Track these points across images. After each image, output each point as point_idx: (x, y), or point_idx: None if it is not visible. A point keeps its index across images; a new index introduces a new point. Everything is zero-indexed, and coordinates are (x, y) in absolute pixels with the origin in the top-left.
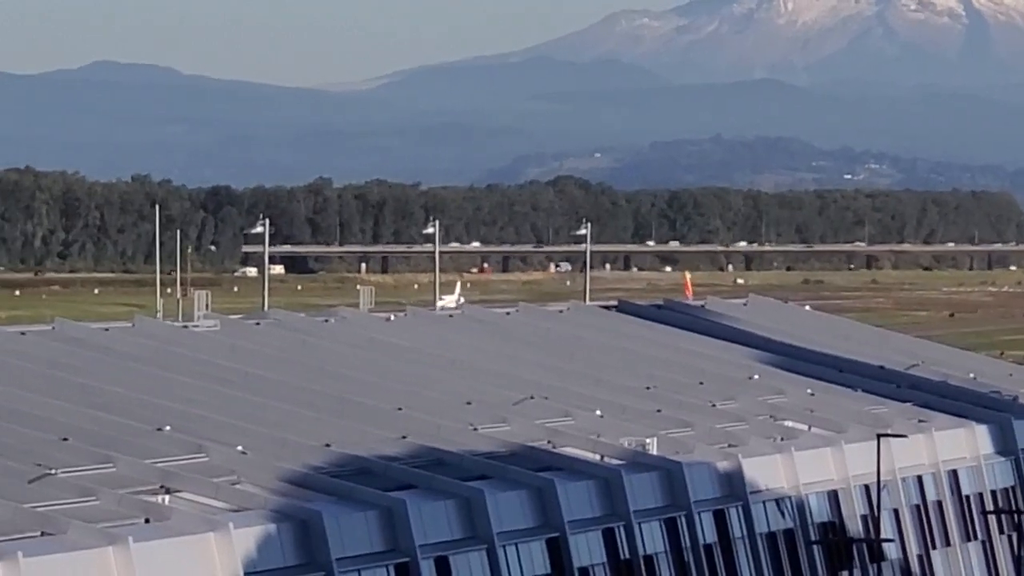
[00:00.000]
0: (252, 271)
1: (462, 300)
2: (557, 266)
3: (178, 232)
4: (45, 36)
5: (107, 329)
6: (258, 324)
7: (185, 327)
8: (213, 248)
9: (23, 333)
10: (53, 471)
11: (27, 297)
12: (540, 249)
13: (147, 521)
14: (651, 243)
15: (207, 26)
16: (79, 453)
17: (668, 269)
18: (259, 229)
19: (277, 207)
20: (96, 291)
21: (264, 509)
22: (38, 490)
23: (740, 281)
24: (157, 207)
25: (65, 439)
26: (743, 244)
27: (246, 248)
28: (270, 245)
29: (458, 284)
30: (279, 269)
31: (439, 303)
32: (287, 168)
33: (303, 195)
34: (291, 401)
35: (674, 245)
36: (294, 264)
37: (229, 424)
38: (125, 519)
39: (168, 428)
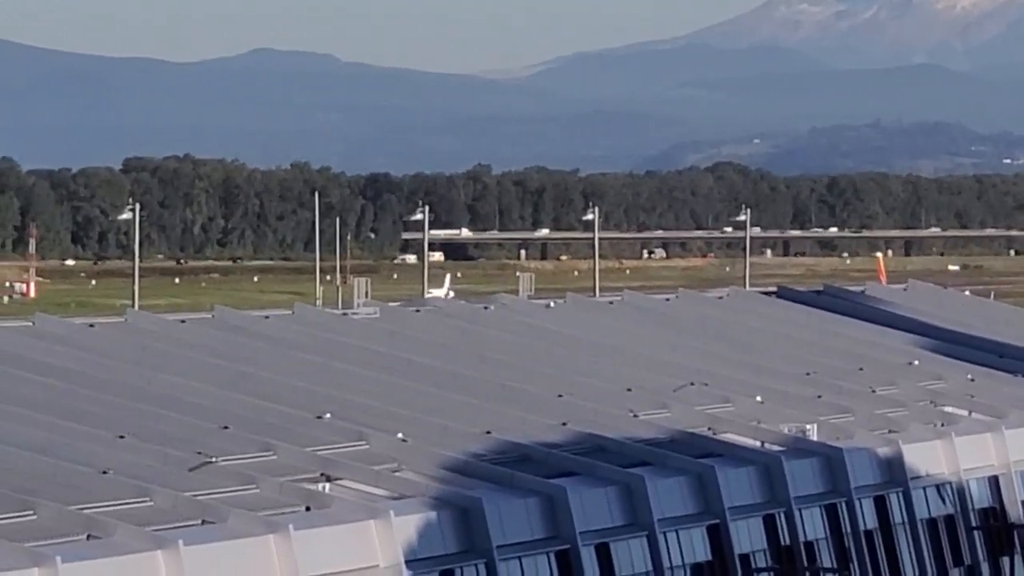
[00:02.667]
0: (411, 258)
1: (451, 294)
2: (651, 253)
3: (337, 219)
4: (204, 25)
5: (267, 317)
6: (418, 311)
7: (345, 314)
8: (372, 235)
9: (183, 321)
10: (213, 459)
11: (186, 285)
12: (699, 235)
13: (307, 509)
14: (816, 229)
15: (366, 13)
16: (239, 441)
17: (846, 258)
18: (418, 216)
19: (436, 194)
20: (255, 279)
21: (424, 496)
22: (198, 478)
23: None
24: (316, 194)
25: (225, 427)
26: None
27: (406, 235)
28: (430, 232)
29: (448, 276)
30: (438, 256)
31: (427, 295)
32: (446, 155)
33: (462, 182)
34: (451, 388)
35: (833, 231)
36: (453, 251)
37: (389, 411)
38: (285, 507)
39: (328, 416)
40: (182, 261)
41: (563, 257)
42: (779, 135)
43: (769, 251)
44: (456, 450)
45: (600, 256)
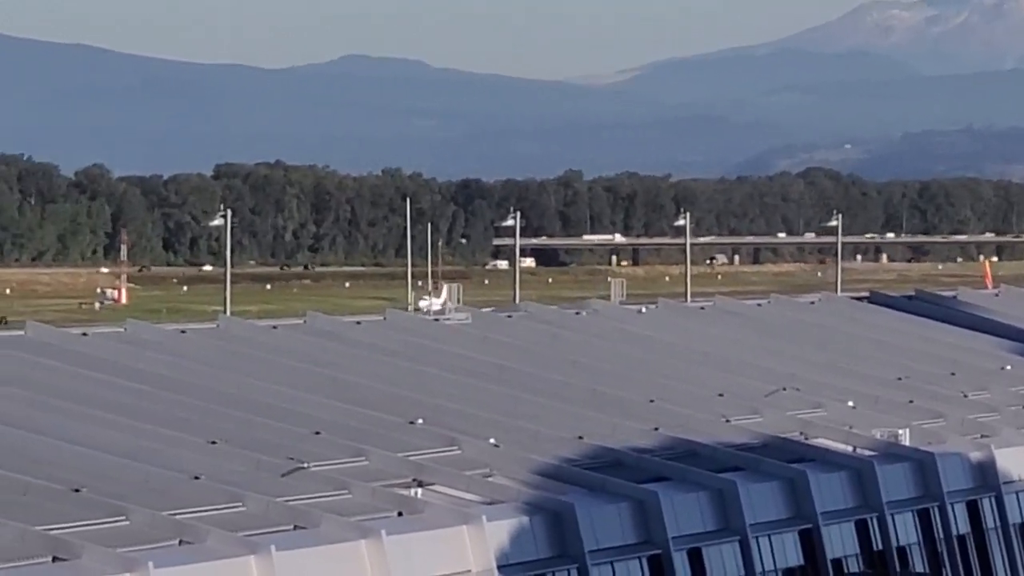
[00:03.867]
0: (503, 264)
1: (449, 304)
2: (712, 259)
3: (429, 225)
4: (295, 31)
5: (359, 323)
6: (510, 317)
7: (437, 320)
8: (464, 241)
9: (275, 327)
10: (306, 465)
11: (278, 291)
12: (791, 241)
13: (400, 514)
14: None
15: (457, 19)
16: (332, 447)
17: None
18: (510, 222)
19: (527, 199)
20: (347, 285)
21: (517, 502)
22: (291, 484)
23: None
24: (408, 200)
25: (318, 433)
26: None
27: (497, 241)
28: (521, 238)
29: (446, 287)
30: (530, 262)
31: (422, 303)
32: (537, 160)
33: (554, 187)
34: (543, 394)
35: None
36: (545, 257)
37: (481, 417)
38: (378, 512)
39: (421, 421)
40: (285, 267)
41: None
42: (870, 141)
43: (860, 256)
44: (548, 455)
45: (691, 261)
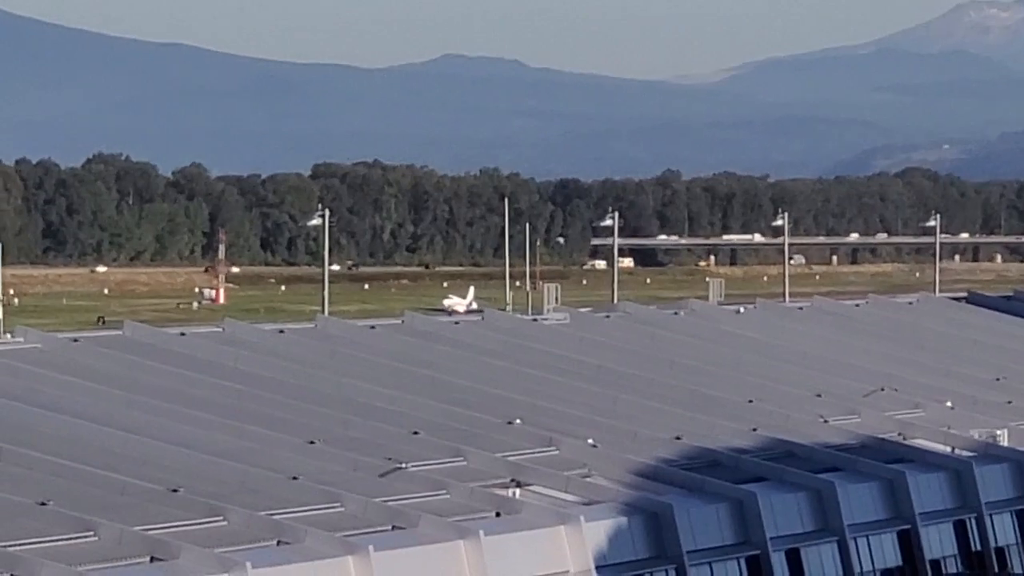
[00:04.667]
0: (601, 264)
1: (474, 305)
2: (790, 259)
3: (527, 225)
4: (393, 30)
5: (457, 323)
6: (608, 317)
7: (535, 320)
8: (562, 241)
9: (373, 327)
10: (404, 465)
11: (376, 291)
12: (889, 241)
13: (498, 515)
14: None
15: (555, 19)
16: (430, 447)
17: None
18: (608, 222)
19: (626, 199)
20: (445, 284)
21: (615, 502)
22: (389, 484)
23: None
24: (506, 200)
25: (416, 433)
26: None
27: (595, 241)
28: (619, 238)
29: (472, 288)
30: (628, 262)
31: (446, 301)
32: (635, 161)
33: (652, 187)
34: (641, 394)
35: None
36: (643, 257)
37: (579, 417)
38: (476, 513)
39: (519, 421)
40: (353, 267)
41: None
42: (969, 140)
43: (958, 257)
44: (646, 456)
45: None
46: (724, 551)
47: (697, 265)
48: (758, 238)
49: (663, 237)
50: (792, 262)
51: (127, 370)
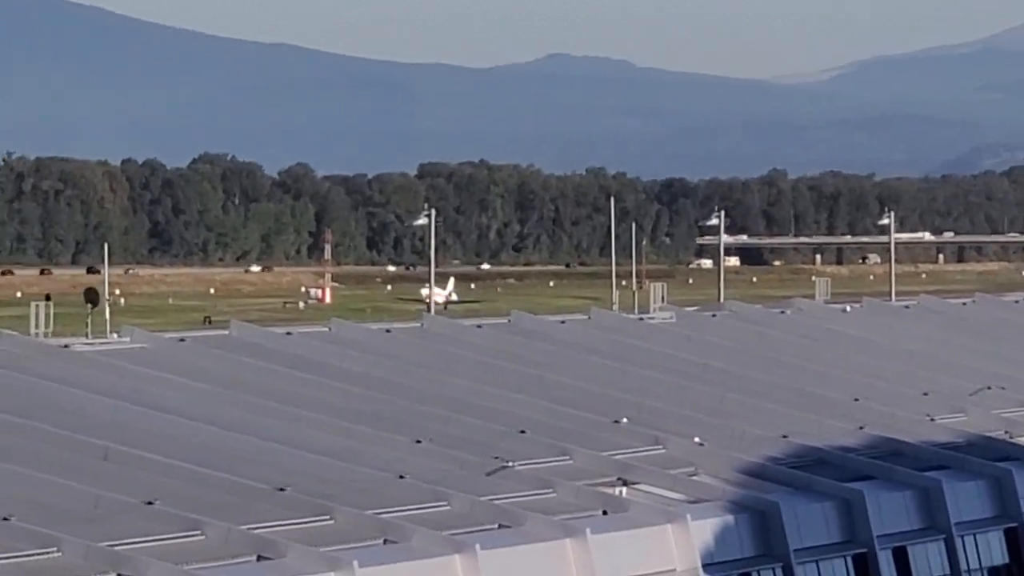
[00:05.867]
0: (707, 263)
1: (454, 296)
2: (864, 258)
3: (633, 224)
4: (500, 30)
5: (563, 322)
6: (714, 316)
7: (641, 319)
8: (667, 240)
9: (479, 326)
10: (511, 464)
11: (482, 290)
12: (995, 239)
13: (604, 513)
14: None
15: (661, 18)
16: (536, 445)
17: None
18: (714, 221)
19: (732, 199)
20: (551, 284)
21: (722, 501)
22: (496, 483)
23: None
24: (612, 199)
25: (522, 431)
26: None
27: (700, 240)
28: (725, 237)
29: (451, 279)
30: (734, 261)
31: (424, 291)
32: (741, 160)
33: (758, 186)
34: (748, 392)
35: None
36: (749, 255)
37: (686, 416)
38: (582, 511)
39: (625, 420)
40: (410, 267)
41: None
42: None
43: None
44: (753, 454)
45: (895, 260)
46: (830, 549)
47: (863, 261)
48: (928, 237)
49: (904, 235)
50: (868, 262)
51: (233, 370)
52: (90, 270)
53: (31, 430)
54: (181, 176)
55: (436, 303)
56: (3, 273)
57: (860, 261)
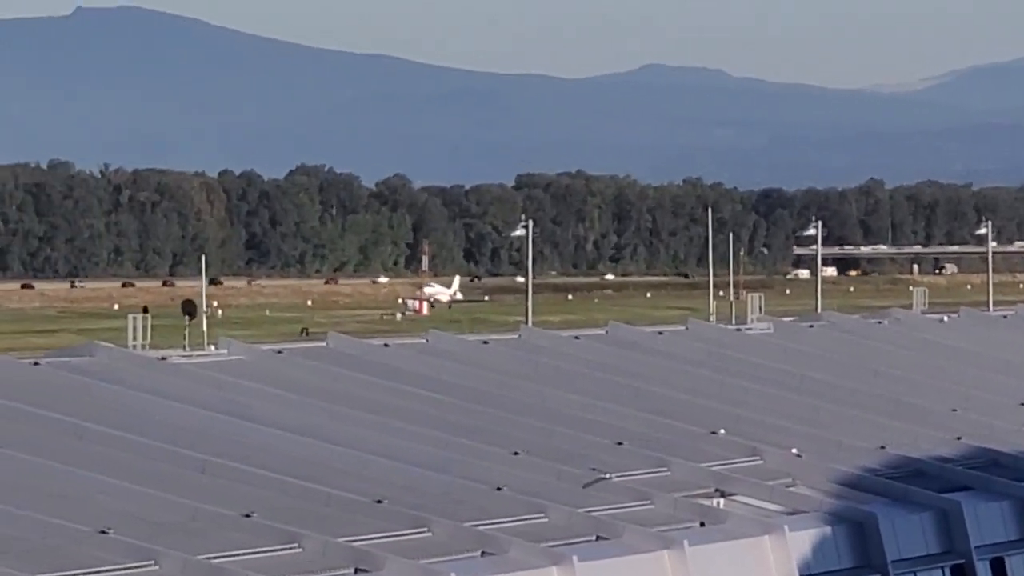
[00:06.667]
0: (804, 273)
1: (459, 295)
2: (941, 268)
3: (730, 235)
4: (596, 41)
5: (661, 332)
6: (811, 326)
7: (738, 330)
8: (765, 250)
9: (577, 337)
10: (608, 475)
11: (579, 301)
12: None
13: (702, 524)
14: None
15: (757, 28)
16: (634, 457)
17: None
18: (811, 231)
19: (829, 209)
20: (648, 294)
21: (819, 511)
22: (593, 494)
23: None
24: (709, 210)
25: (620, 443)
26: None
27: (798, 250)
28: (822, 247)
29: (456, 278)
30: (831, 271)
31: (428, 290)
32: (838, 170)
33: (855, 196)
34: (845, 403)
35: None
36: (846, 265)
37: (783, 426)
38: (680, 522)
39: (722, 431)
40: (477, 279)
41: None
42: None
43: None
44: (850, 464)
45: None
46: (928, 560)
47: (940, 271)
48: None
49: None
50: (944, 271)
51: (331, 382)
52: (213, 281)
53: (128, 443)
54: (278, 188)
55: (440, 302)
56: (123, 285)
57: (937, 271)
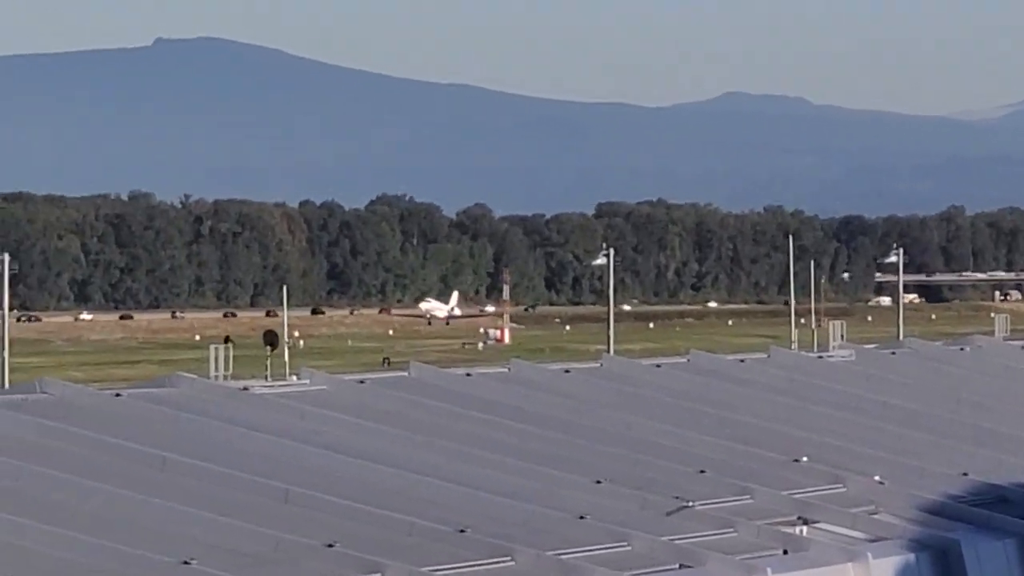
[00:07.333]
0: (885, 300)
1: (456, 311)
2: (1006, 295)
3: (811, 262)
4: (675, 69)
5: (742, 360)
6: (893, 353)
7: (820, 357)
8: (846, 277)
9: (658, 365)
10: (691, 503)
11: (660, 329)
12: None
13: (785, 552)
14: None
15: (837, 57)
16: (716, 485)
17: None
18: (892, 258)
19: (910, 236)
20: (730, 322)
21: (902, 538)
22: (676, 523)
23: None
24: (790, 237)
25: (702, 471)
26: None
27: (879, 277)
28: (904, 274)
29: (455, 294)
30: (913, 298)
31: (424, 306)
32: (919, 197)
33: (936, 223)
34: (927, 429)
35: None
36: (928, 292)
37: (866, 453)
38: (763, 550)
39: (805, 458)
40: (530, 307)
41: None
42: None
43: None
44: (933, 491)
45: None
46: None
47: (1005, 298)
48: None
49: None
50: (1010, 298)
51: (413, 411)
52: (315, 311)
53: (211, 473)
54: (359, 217)
55: (437, 318)
56: (224, 315)
57: (1002, 299)
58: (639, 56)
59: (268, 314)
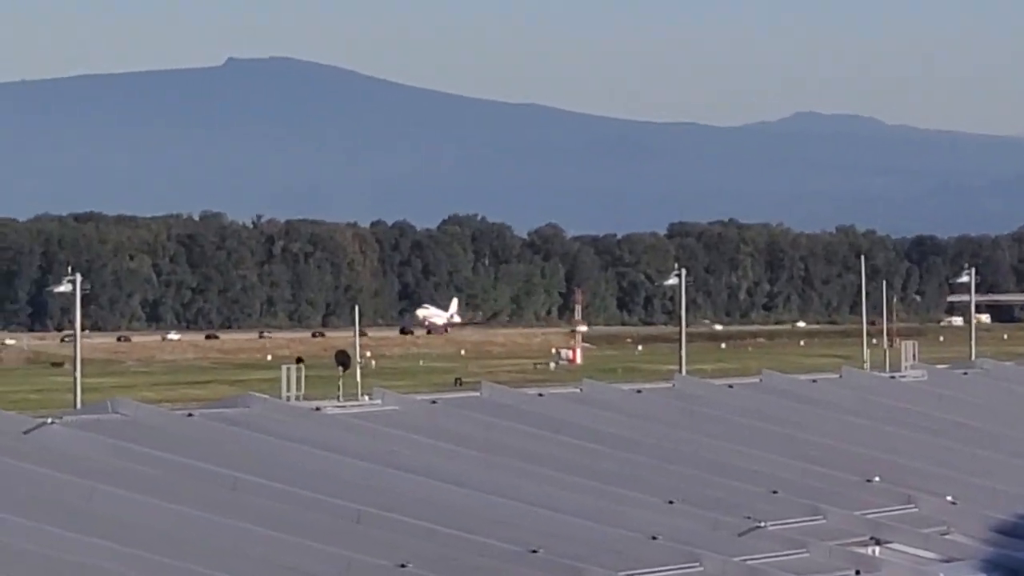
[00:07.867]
0: (957, 320)
1: (457, 319)
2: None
3: (883, 282)
4: (748, 88)
5: (814, 380)
6: (965, 373)
7: (892, 377)
8: (918, 298)
9: (731, 386)
10: (763, 524)
11: (732, 350)
12: None
13: (857, 573)
14: None
15: (910, 77)
16: (789, 505)
17: None
18: (964, 278)
19: (982, 256)
20: (802, 342)
21: (974, 559)
22: (748, 543)
23: None
24: (862, 258)
25: (775, 491)
26: None
27: (951, 298)
28: (976, 294)
29: (454, 300)
30: (985, 318)
31: (422, 312)
32: (992, 216)
33: (1008, 243)
34: (999, 450)
35: None
36: (1000, 313)
37: (938, 474)
38: (835, 571)
39: (877, 479)
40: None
41: None
42: None
43: None
44: (1005, 512)
45: None
46: None
47: None
48: None
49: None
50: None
51: (485, 431)
52: (403, 331)
53: (283, 493)
54: (431, 238)
55: (436, 325)
56: (313, 335)
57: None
58: (711, 76)
59: (364, 333)
